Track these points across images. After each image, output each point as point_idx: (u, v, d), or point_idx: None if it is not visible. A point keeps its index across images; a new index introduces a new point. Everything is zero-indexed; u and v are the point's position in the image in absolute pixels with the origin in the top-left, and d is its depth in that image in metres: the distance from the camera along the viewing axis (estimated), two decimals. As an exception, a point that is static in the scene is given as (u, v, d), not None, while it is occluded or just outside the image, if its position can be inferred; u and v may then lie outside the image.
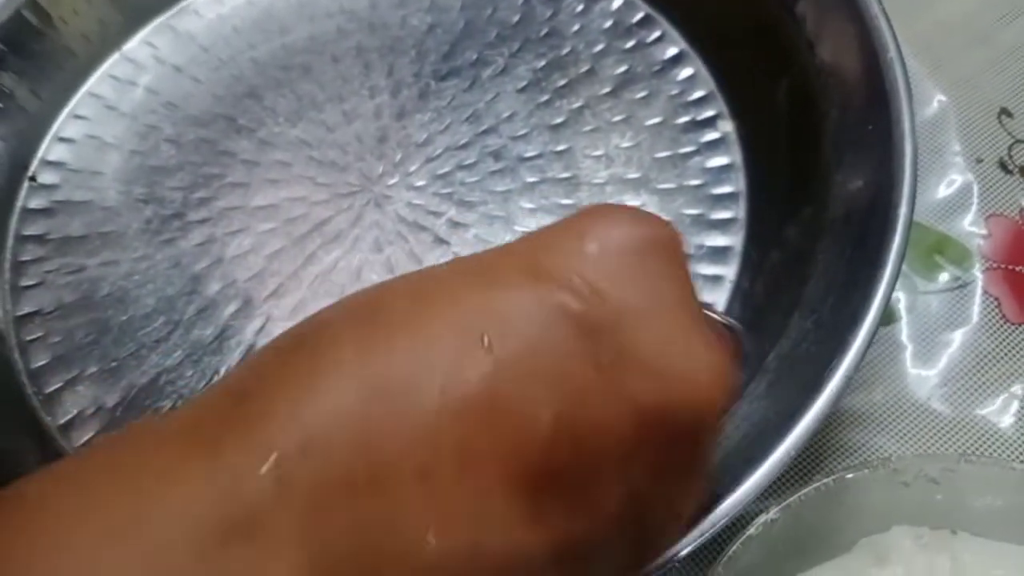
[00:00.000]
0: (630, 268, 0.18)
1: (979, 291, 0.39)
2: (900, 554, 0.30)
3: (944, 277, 0.40)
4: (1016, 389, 0.37)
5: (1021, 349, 0.38)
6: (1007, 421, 0.37)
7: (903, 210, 0.33)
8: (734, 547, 0.28)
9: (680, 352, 0.17)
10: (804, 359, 0.32)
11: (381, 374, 0.16)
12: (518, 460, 0.16)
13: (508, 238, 0.42)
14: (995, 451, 0.36)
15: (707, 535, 0.27)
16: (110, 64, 0.49)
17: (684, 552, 0.27)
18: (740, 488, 0.28)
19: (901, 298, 0.39)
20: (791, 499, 0.29)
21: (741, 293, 0.39)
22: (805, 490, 0.29)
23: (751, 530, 0.29)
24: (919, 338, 0.39)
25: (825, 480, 0.29)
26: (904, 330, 0.39)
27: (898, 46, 0.36)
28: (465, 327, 0.16)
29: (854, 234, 0.35)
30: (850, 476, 0.30)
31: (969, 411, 0.37)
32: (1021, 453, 0.36)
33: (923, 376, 0.38)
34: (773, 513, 0.29)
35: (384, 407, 0.16)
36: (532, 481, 0.16)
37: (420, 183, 0.44)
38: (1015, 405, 0.37)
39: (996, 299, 0.39)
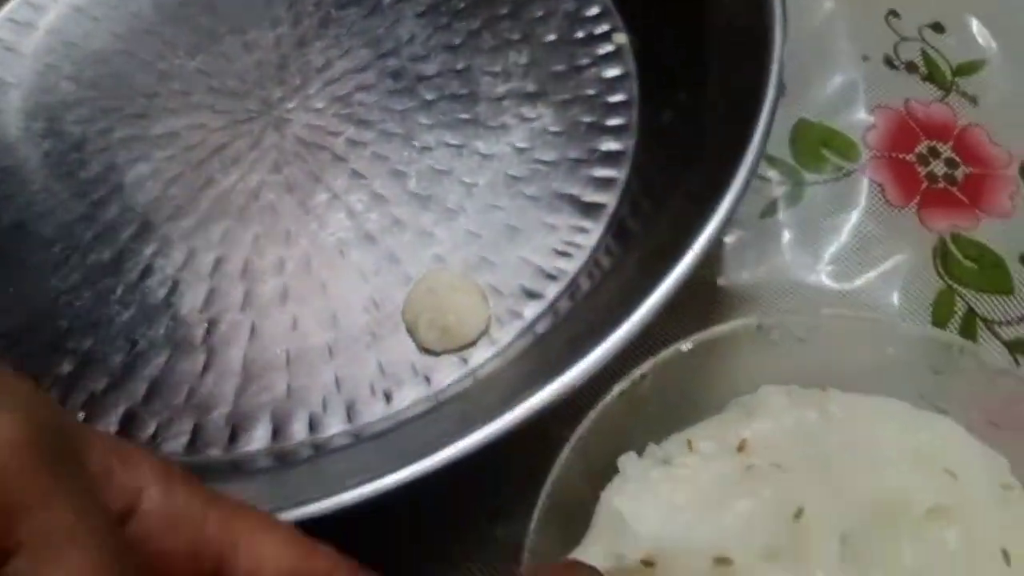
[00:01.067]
0: None
1: (864, 179, 0.40)
2: (769, 410, 0.29)
3: (830, 168, 0.40)
4: (898, 265, 0.38)
5: (902, 229, 0.39)
6: (891, 294, 0.37)
7: (769, 94, 0.33)
8: (603, 402, 0.28)
9: None
10: (671, 232, 0.32)
11: None
12: None
13: (406, 153, 0.42)
14: (882, 324, 0.37)
15: (567, 390, 0.28)
16: (10, 7, 0.49)
17: (552, 400, 0.27)
18: (604, 342, 0.28)
19: (787, 190, 0.40)
20: (659, 356, 0.29)
21: (630, 189, 0.40)
22: (672, 347, 0.29)
23: (621, 384, 0.29)
24: (805, 225, 0.39)
25: (693, 337, 0.30)
26: (789, 219, 0.39)
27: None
28: None
29: (732, 126, 0.35)
30: (717, 334, 0.30)
31: (853, 286, 0.37)
32: (906, 320, 0.37)
33: (810, 258, 0.38)
34: (642, 368, 0.29)
35: None
36: None
37: (319, 105, 0.44)
38: (897, 280, 0.38)
39: (880, 185, 0.40)
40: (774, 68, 0.34)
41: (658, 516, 0.26)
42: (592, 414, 0.28)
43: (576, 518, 0.28)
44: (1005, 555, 0.26)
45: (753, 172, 0.32)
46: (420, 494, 0.27)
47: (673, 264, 0.30)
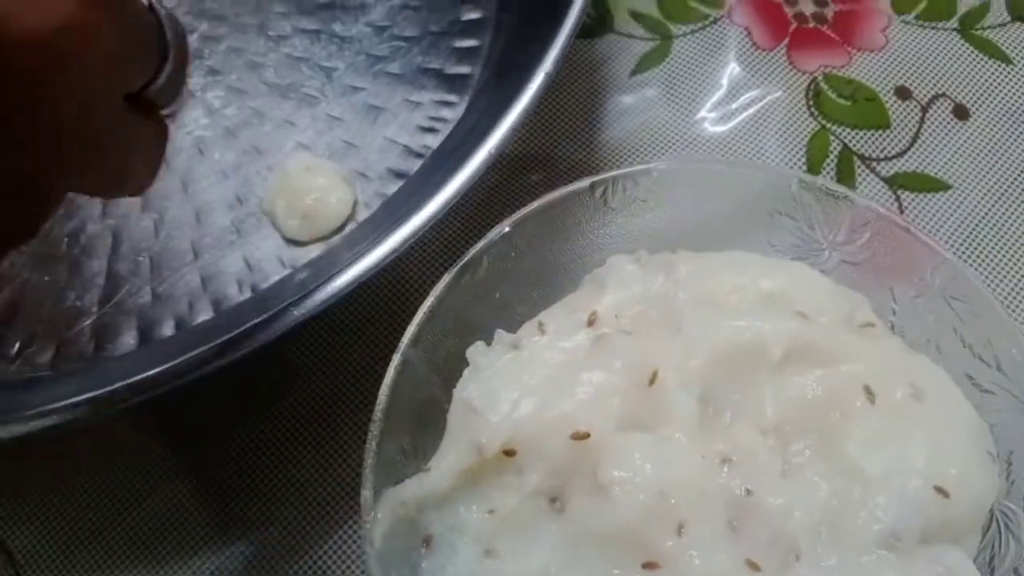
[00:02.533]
0: None
1: (731, 25, 0.39)
2: (618, 279, 0.28)
3: (696, 17, 0.39)
4: (771, 106, 0.37)
5: (773, 72, 0.38)
6: (766, 136, 0.36)
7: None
8: (441, 284, 0.27)
9: None
10: (517, 72, 0.31)
11: None
12: None
13: (262, 43, 0.41)
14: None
15: (412, 236, 0.27)
16: None
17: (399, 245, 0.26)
18: (458, 174, 0.27)
19: (656, 45, 0.39)
20: (491, 232, 0.28)
21: (492, 56, 0.38)
22: (503, 223, 0.28)
23: (457, 266, 0.27)
24: (678, 77, 0.38)
25: (527, 207, 0.28)
26: (662, 73, 0.38)
27: None
28: None
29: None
30: (547, 200, 0.28)
31: (724, 131, 0.37)
32: (781, 163, 0.36)
33: (682, 110, 0.37)
34: (475, 248, 0.27)
35: None
36: None
37: (169, 4, 0.42)
38: (772, 122, 0.37)
39: (747, 29, 0.39)
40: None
41: (511, 403, 0.25)
42: (426, 304, 0.27)
43: (432, 423, 0.26)
44: (868, 392, 0.25)
45: (578, 23, 0.30)
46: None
47: (504, 114, 0.28)
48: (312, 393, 0.33)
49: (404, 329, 0.26)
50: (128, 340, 0.35)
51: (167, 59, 0.25)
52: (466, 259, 0.27)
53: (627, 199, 0.29)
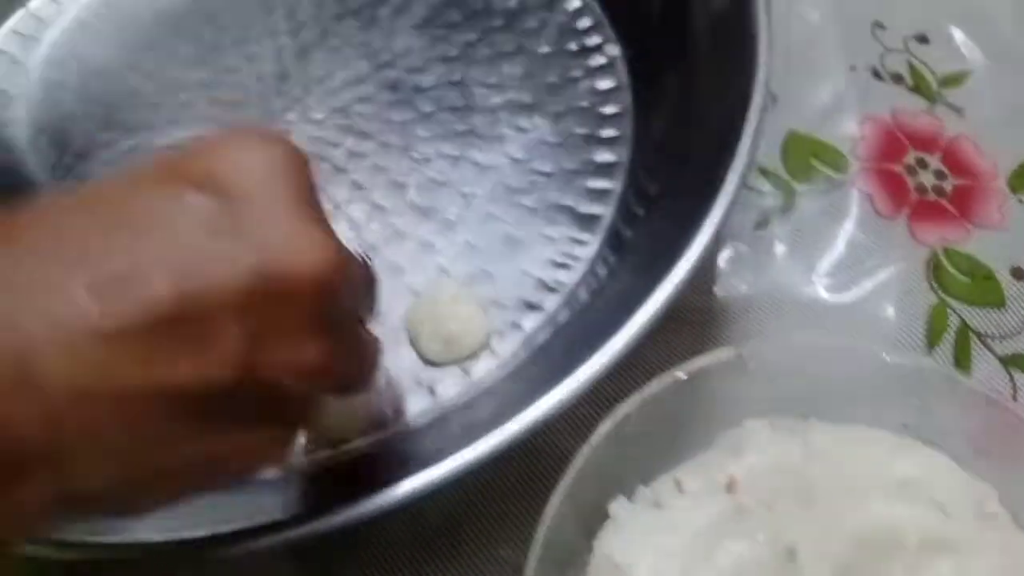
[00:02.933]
0: (249, 168, 0.22)
1: (854, 190, 0.41)
2: (754, 444, 0.30)
3: (821, 179, 0.41)
4: (890, 278, 0.39)
5: (894, 241, 0.40)
6: (884, 308, 0.38)
7: (756, 101, 0.34)
8: (589, 443, 0.28)
9: (286, 230, 0.22)
10: (668, 241, 0.33)
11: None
12: (133, 314, 0.19)
13: (405, 164, 0.43)
14: (874, 336, 0.38)
15: (565, 403, 0.28)
16: (15, 20, 0.50)
17: (545, 418, 0.28)
18: (601, 353, 0.29)
19: (779, 202, 0.41)
20: (643, 392, 0.29)
21: (626, 201, 0.41)
22: (653, 383, 0.30)
23: (604, 427, 0.29)
24: (798, 237, 0.40)
25: (672, 372, 0.30)
26: (782, 230, 0.40)
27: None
28: (108, 220, 0.21)
29: (722, 136, 0.36)
30: (695, 369, 0.30)
31: (847, 299, 0.38)
32: (897, 337, 0.38)
33: (803, 270, 0.39)
34: (625, 408, 0.29)
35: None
36: (156, 327, 0.20)
37: (319, 116, 0.45)
38: (891, 293, 0.38)
39: (870, 196, 0.41)
40: (760, 78, 0.35)
41: (652, 563, 0.27)
42: (578, 458, 0.28)
43: (571, 564, 0.28)
44: None
45: (742, 182, 0.33)
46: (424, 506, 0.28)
47: (666, 275, 0.30)
48: (457, 539, 0.34)
49: (545, 479, 0.28)
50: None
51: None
52: (619, 416, 0.29)
53: (765, 365, 0.31)
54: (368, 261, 0.28)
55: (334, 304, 0.22)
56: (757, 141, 0.33)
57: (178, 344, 0.20)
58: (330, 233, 0.23)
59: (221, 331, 0.20)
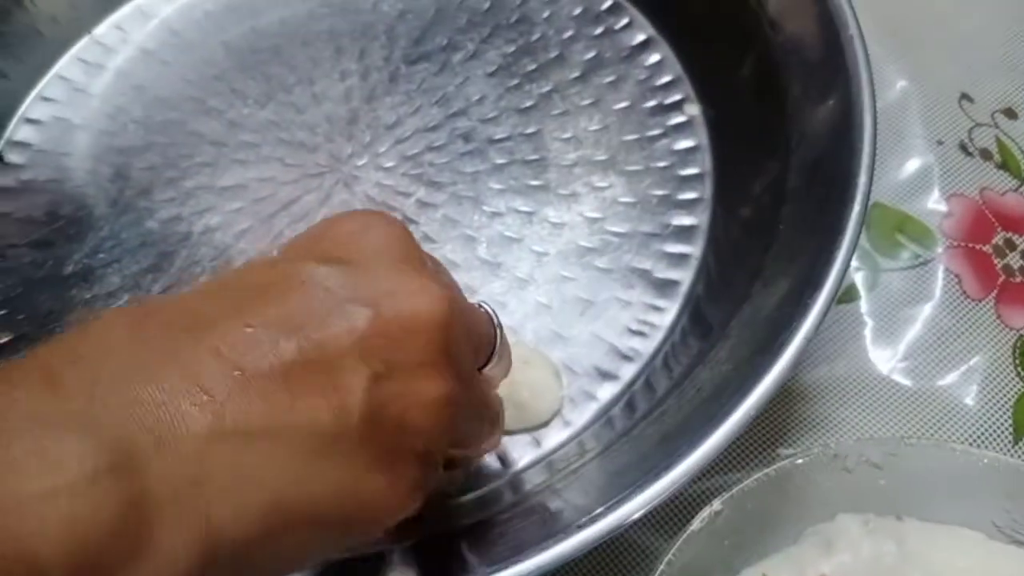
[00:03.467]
0: (365, 240, 0.25)
1: (940, 268, 0.40)
2: (846, 542, 0.30)
3: (906, 255, 0.40)
4: (976, 363, 0.37)
5: (980, 324, 0.38)
6: (968, 394, 0.37)
7: (862, 179, 0.33)
8: (681, 539, 0.28)
9: (401, 279, 0.24)
10: (764, 325, 0.32)
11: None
12: (259, 364, 0.21)
13: (476, 218, 0.42)
14: (957, 424, 0.36)
15: (666, 495, 0.27)
16: (80, 47, 0.49)
17: (641, 513, 0.27)
18: (704, 444, 0.28)
19: (863, 276, 0.40)
20: (734, 490, 0.29)
21: (706, 268, 0.39)
22: (747, 480, 0.29)
23: (695, 524, 0.28)
24: (882, 314, 0.39)
25: (767, 469, 0.29)
26: (866, 306, 0.39)
27: (858, 23, 0.37)
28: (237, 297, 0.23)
29: (814, 205, 0.35)
30: (790, 463, 0.30)
31: (931, 385, 0.37)
32: (981, 426, 0.36)
33: (886, 351, 0.38)
34: (717, 504, 0.29)
35: None
36: (285, 375, 0.21)
37: (389, 164, 0.44)
38: (976, 378, 0.37)
39: (957, 276, 0.40)
40: (867, 156, 0.34)
41: None
42: (667, 556, 0.28)
43: None
44: None
45: (847, 267, 0.31)
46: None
47: (769, 366, 0.29)
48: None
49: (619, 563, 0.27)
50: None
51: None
52: (712, 511, 0.28)
53: (862, 464, 0.30)
54: (493, 315, 0.29)
55: (452, 343, 0.23)
56: (861, 226, 0.32)
57: (307, 387, 0.21)
58: (443, 283, 0.26)
59: (347, 371, 0.22)
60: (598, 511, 0.27)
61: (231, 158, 0.45)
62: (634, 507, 0.27)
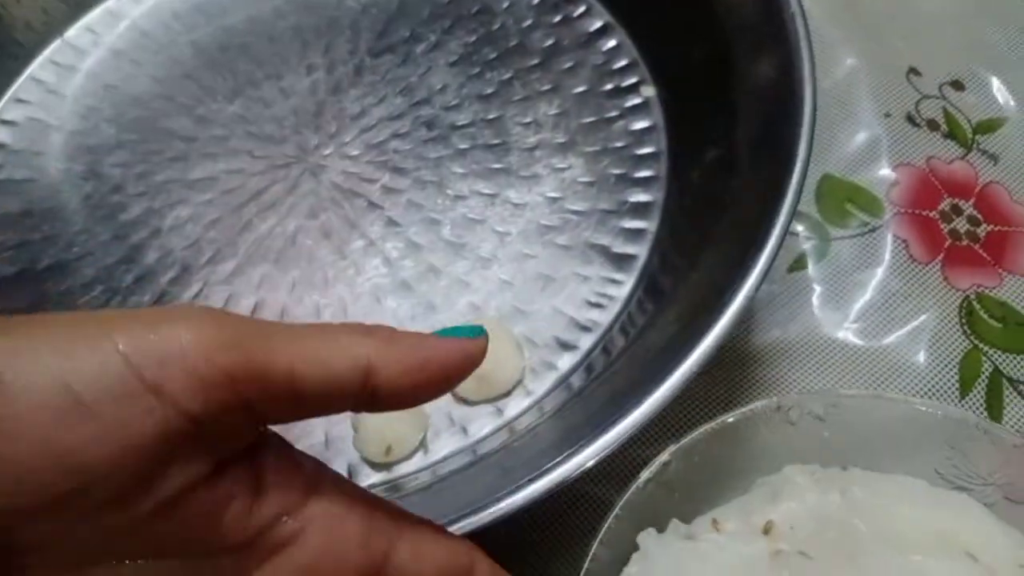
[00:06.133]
0: None
1: (888, 235, 0.41)
2: (793, 491, 0.30)
3: (855, 223, 0.42)
4: (924, 323, 0.39)
5: (927, 287, 0.40)
6: (917, 353, 0.38)
7: (802, 147, 0.34)
8: (631, 489, 0.29)
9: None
10: (709, 288, 0.33)
11: None
12: None
13: (440, 201, 0.43)
14: (906, 381, 0.38)
15: (610, 450, 0.28)
16: (52, 49, 0.50)
17: (590, 464, 0.28)
18: (650, 398, 0.29)
19: (813, 245, 0.41)
20: (682, 441, 0.30)
21: (661, 241, 0.41)
22: (694, 433, 0.30)
23: (644, 474, 0.29)
24: (832, 280, 0.40)
25: (712, 423, 0.30)
26: (817, 273, 0.40)
27: (800, 3, 0.38)
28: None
29: (760, 176, 0.36)
30: (735, 416, 0.30)
31: (880, 344, 0.38)
32: (930, 383, 0.38)
33: (837, 315, 0.39)
34: (665, 456, 0.29)
35: None
36: None
37: (354, 152, 0.45)
38: (924, 338, 0.38)
39: (904, 241, 0.41)
40: (806, 125, 0.35)
41: None
42: (620, 504, 0.28)
43: None
44: None
45: (786, 231, 0.33)
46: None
47: (711, 325, 0.30)
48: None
49: (580, 524, 0.28)
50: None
51: None
52: (660, 462, 0.29)
53: (805, 416, 0.31)
54: None
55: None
56: (800, 189, 0.33)
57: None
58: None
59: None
60: (548, 465, 0.28)
61: (200, 152, 0.46)
62: (582, 459, 0.28)
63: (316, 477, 0.23)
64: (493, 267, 0.41)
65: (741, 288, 0.31)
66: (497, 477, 0.30)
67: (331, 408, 0.22)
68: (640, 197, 0.42)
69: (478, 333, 0.24)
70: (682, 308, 0.34)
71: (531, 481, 0.28)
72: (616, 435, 0.28)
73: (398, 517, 0.24)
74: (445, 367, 0.23)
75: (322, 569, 0.22)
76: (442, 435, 0.37)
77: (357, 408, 0.22)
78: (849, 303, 0.39)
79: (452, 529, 0.27)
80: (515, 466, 0.30)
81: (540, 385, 0.37)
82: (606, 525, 0.28)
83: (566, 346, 0.38)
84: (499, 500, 0.28)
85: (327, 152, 0.45)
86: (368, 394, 0.21)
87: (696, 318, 0.31)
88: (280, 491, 0.22)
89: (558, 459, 0.28)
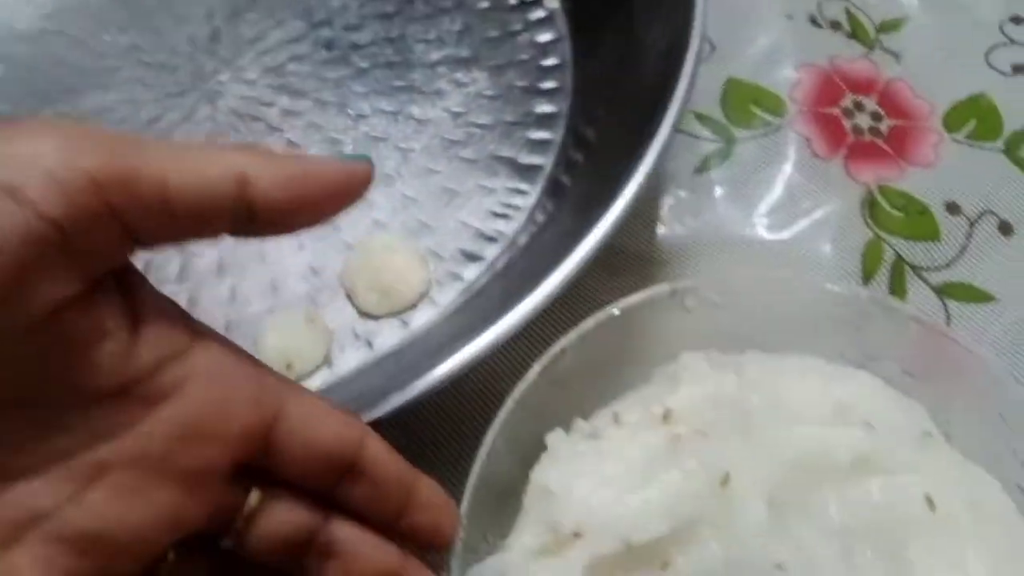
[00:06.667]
0: None
1: (791, 133, 0.41)
2: (690, 377, 0.30)
3: (759, 124, 0.41)
4: (827, 215, 0.39)
5: (830, 181, 0.40)
6: (821, 244, 0.38)
7: (693, 43, 0.34)
8: (526, 381, 0.28)
9: None
10: (602, 184, 0.33)
11: None
12: None
13: (341, 122, 0.42)
14: (811, 271, 0.38)
15: (501, 340, 0.28)
16: (-67, -11, 0.48)
17: (480, 355, 0.28)
18: (538, 289, 0.29)
19: (719, 147, 0.41)
20: (575, 329, 0.29)
21: (566, 150, 0.40)
22: (586, 321, 0.29)
23: (537, 366, 0.29)
24: (738, 179, 0.40)
25: (603, 311, 0.30)
26: (723, 174, 0.40)
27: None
28: None
29: (658, 80, 0.36)
30: (627, 303, 0.30)
31: (785, 237, 0.38)
32: (834, 271, 0.38)
33: (743, 212, 0.39)
34: (559, 347, 0.29)
35: None
36: None
37: (252, 76, 0.44)
38: (828, 230, 0.38)
39: (807, 139, 0.41)
40: (696, 26, 0.34)
41: (587, 490, 0.26)
42: (514, 395, 0.28)
43: (508, 501, 0.27)
44: (929, 501, 0.26)
45: (676, 125, 0.32)
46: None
47: (601, 216, 0.30)
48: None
49: (483, 416, 0.27)
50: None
51: None
52: (553, 352, 0.29)
53: (701, 302, 0.31)
54: None
55: None
56: (691, 86, 0.33)
57: None
58: None
59: None
60: (443, 357, 0.28)
61: (93, 83, 0.44)
62: (477, 348, 0.28)
63: (200, 328, 0.22)
64: (397, 184, 0.40)
65: (631, 177, 0.31)
66: (393, 375, 0.30)
67: (207, 227, 0.20)
68: (545, 108, 0.42)
69: (364, 159, 0.22)
70: (577, 204, 0.34)
71: (424, 373, 0.27)
72: (506, 326, 0.28)
73: (289, 382, 0.23)
74: (325, 184, 0.21)
75: (206, 425, 0.21)
76: (347, 350, 0.36)
77: (236, 230, 0.21)
78: (754, 201, 0.39)
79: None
80: (411, 362, 0.30)
81: (446, 296, 0.37)
82: (503, 417, 0.28)
83: (472, 257, 0.38)
84: (392, 393, 0.27)
85: (223, 78, 0.44)
86: (245, 209, 0.20)
87: (589, 213, 0.31)
88: (160, 334, 0.20)
89: (453, 353, 0.28)
